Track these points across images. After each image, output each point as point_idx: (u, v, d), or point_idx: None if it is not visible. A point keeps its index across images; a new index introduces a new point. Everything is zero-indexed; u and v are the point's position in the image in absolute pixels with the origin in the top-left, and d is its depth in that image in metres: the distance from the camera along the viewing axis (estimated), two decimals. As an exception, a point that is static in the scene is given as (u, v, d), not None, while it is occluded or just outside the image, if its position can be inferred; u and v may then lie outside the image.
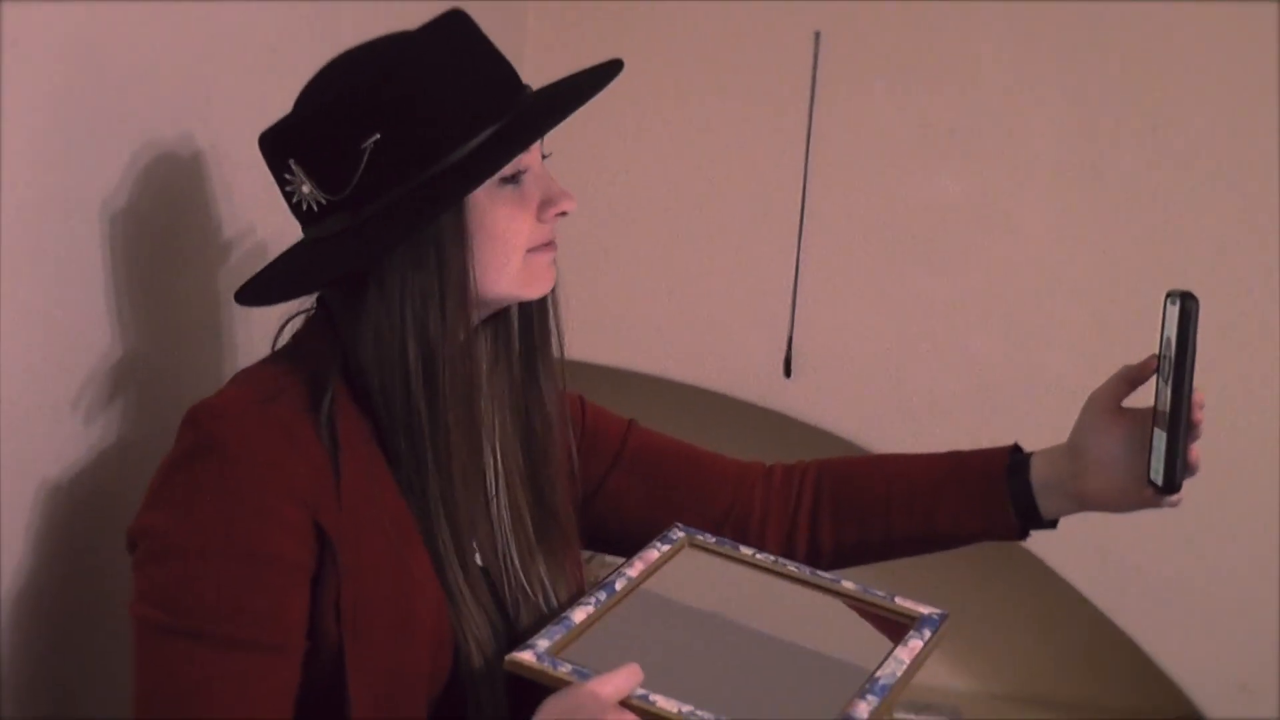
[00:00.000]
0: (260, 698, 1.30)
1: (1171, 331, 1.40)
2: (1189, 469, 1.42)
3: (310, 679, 1.33)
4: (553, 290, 1.48)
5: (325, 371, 1.38)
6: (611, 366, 2.77)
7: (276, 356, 1.45)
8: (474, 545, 1.45)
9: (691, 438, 1.73)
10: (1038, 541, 2.56)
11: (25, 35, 1.37)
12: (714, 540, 1.58)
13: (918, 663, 1.43)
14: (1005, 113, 2.58)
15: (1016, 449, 1.61)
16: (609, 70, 1.46)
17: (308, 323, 1.46)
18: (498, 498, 1.49)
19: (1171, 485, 1.41)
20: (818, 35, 2.61)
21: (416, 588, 1.37)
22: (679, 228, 2.73)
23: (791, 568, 1.55)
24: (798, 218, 2.63)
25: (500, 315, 1.49)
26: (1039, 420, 2.56)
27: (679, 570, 1.53)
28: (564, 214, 1.44)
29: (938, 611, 1.51)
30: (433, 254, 1.36)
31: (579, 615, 1.41)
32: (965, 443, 2.42)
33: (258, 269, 1.50)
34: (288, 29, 1.84)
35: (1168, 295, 1.41)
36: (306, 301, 1.47)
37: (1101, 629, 2.66)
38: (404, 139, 1.34)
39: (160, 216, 1.62)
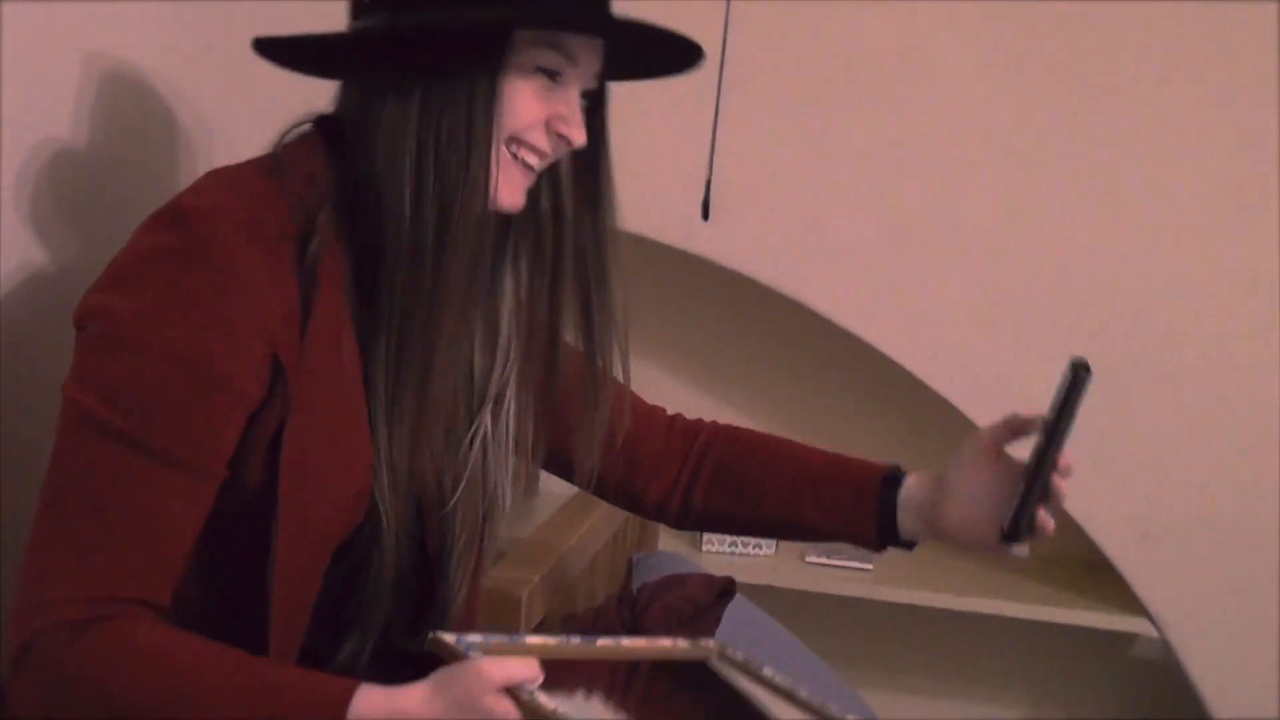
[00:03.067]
0: (174, 517, 1.28)
1: (1060, 394, 1.42)
2: (1033, 530, 1.46)
3: (219, 512, 1.32)
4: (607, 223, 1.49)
5: (314, 200, 1.34)
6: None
7: (261, 167, 1.38)
8: (427, 424, 1.42)
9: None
10: (953, 392, 2.60)
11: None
12: (743, 657, 1.48)
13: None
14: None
15: (896, 467, 1.64)
16: (688, 54, 1.47)
17: (300, 141, 1.40)
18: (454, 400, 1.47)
19: (1014, 534, 1.44)
20: (742, -128, 2.56)
21: (351, 442, 1.36)
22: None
23: (822, 704, 1.42)
24: (718, 62, 2.58)
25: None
26: (953, 268, 2.58)
27: (685, 673, 1.48)
28: (568, 142, 1.40)
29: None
30: (465, 86, 1.32)
31: (533, 639, 1.37)
32: (879, 286, 2.46)
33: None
34: None
35: (1071, 360, 1.43)
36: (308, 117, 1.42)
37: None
38: None
39: (126, 161, 1.57)
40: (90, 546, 1.24)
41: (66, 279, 1.53)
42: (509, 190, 1.40)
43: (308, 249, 1.32)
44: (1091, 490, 2.60)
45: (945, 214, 2.58)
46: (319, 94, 1.43)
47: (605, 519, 2.14)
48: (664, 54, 1.45)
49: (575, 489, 1.74)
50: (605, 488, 1.71)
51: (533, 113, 1.37)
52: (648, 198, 2.67)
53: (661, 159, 2.66)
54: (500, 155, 1.37)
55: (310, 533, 1.34)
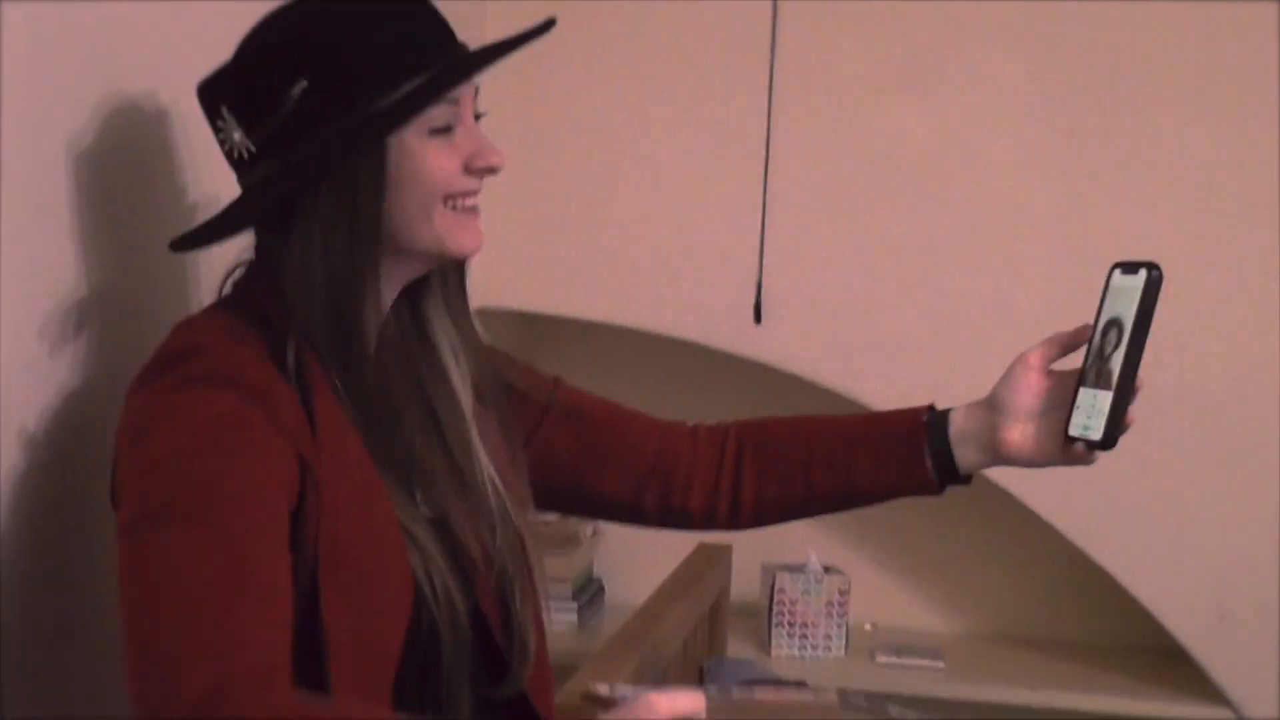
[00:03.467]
0: (269, 580, 1.26)
1: (1132, 298, 1.44)
2: (1125, 428, 1.46)
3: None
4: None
5: (275, 315, 1.37)
6: (582, 319, 2.76)
7: (221, 305, 1.43)
8: (440, 496, 1.43)
9: (665, 388, 1.75)
10: (1014, 481, 2.59)
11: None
12: (865, 701, 1.51)
13: None
14: (968, 48, 2.58)
15: (932, 407, 1.64)
16: (542, 26, 1.47)
17: (248, 271, 1.44)
18: (469, 462, 1.48)
19: (1111, 440, 1.45)
20: (776, -23, 2.60)
21: (381, 533, 1.36)
22: (643, 178, 2.72)
23: None
24: (762, 163, 2.62)
25: (419, 285, 1.48)
26: (1008, 355, 2.56)
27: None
28: (492, 170, 1.43)
29: None
30: (349, 193, 1.36)
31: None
32: (935, 381, 2.45)
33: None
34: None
35: (1117, 265, 1.47)
36: (248, 252, 1.45)
37: (1079, 565, 2.67)
38: (330, 85, 1.35)
39: (123, 166, 1.60)
40: (207, 626, 1.22)
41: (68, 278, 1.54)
42: (465, 236, 1.43)
43: (286, 357, 1.35)
44: (1160, 573, 2.57)
45: (996, 301, 2.58)
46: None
47: (675, 628, 2.11)
48: (520, 36, 1.47)
49: (638, 606, 1.72)
50: (646, 514, 1.69)
51: (446, 169, 1.40)
52: (699, 303, 2.69)
53: (710, 264, 2.68)
54: (440, 217, 1.41)
55: (364, 627, 1.33)
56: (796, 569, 2.86)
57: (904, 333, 2.61)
